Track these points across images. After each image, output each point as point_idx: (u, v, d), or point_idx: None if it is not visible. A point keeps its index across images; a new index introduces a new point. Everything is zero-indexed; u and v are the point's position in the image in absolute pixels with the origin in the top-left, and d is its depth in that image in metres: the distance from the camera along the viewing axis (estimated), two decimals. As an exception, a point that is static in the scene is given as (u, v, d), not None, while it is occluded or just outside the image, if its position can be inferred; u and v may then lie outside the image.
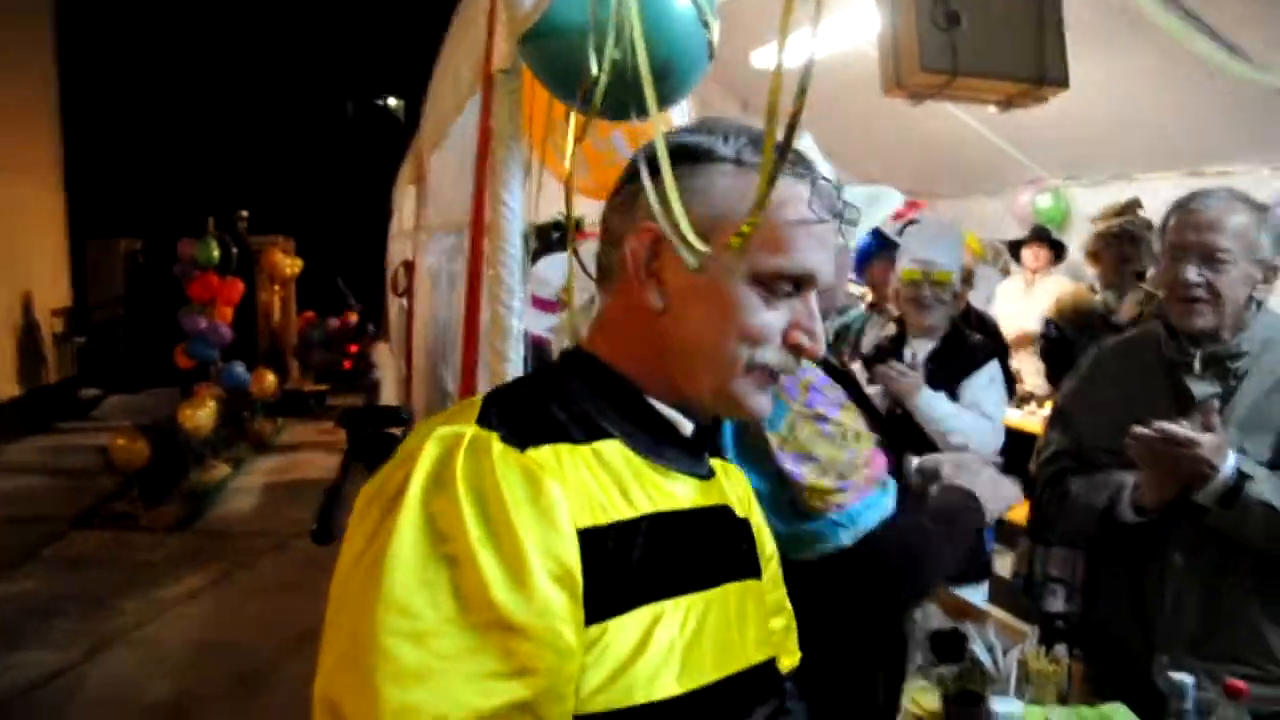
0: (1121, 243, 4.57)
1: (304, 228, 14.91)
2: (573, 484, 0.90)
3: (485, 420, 0.93)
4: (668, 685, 0.92)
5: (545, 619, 0.83)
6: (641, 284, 1.01)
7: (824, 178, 1.05)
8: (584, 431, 0.97)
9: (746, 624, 1.06)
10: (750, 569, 1.12)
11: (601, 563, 0.89)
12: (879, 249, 4.29)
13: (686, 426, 1.05)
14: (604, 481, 0.94)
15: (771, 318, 1.00)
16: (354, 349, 14.13)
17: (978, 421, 3.18)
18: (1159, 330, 2.24)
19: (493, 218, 1.58)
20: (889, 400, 3.18)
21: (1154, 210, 3.72)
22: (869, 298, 4.41)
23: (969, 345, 3.31)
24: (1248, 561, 2.05)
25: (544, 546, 0.85)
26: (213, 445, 9.13)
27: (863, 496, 1.54)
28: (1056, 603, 2.17)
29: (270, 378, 11.12)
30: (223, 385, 10.18)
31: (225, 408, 9.55)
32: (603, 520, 0.91)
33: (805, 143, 1.71)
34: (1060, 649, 2.13)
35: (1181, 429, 1.97)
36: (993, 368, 3.26)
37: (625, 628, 0.90)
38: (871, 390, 3.12)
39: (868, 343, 3.55)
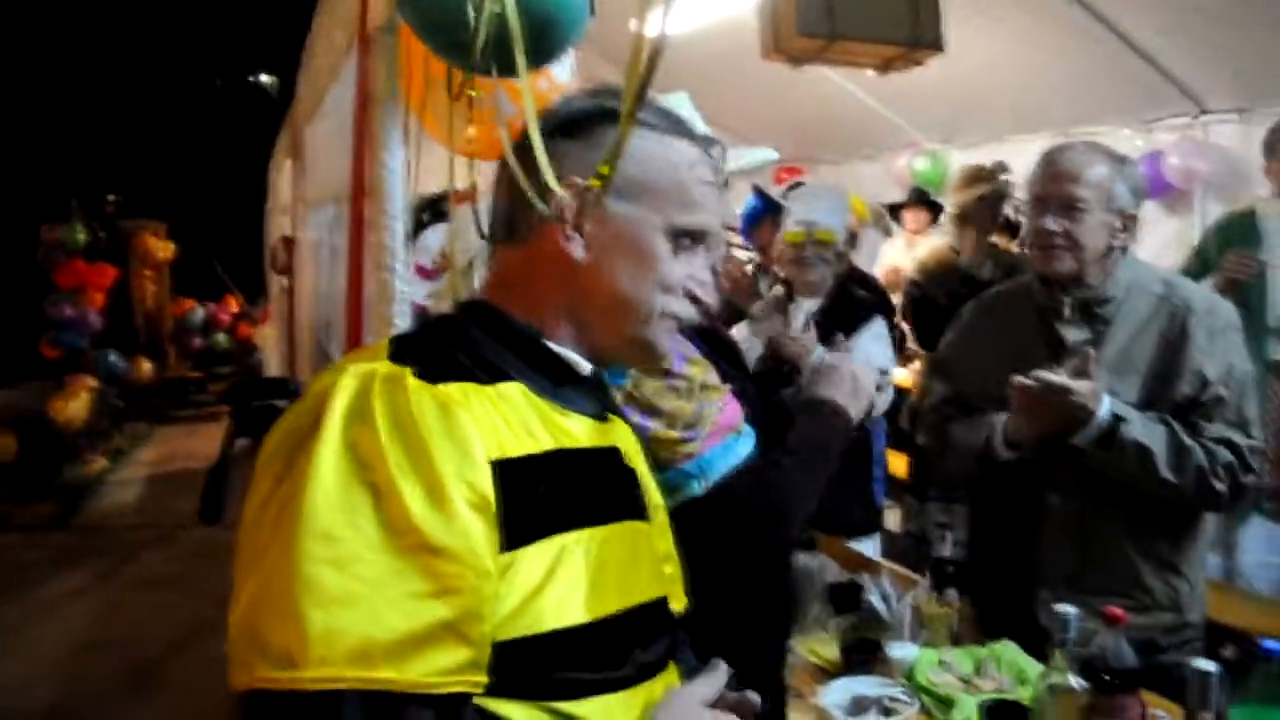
0: (994, 205, 4.70)
1: (177, 211, 14.34)
2: (481, 418, 0.94)
3: (399, 358, 0.95)
4: (575, 613, 0.96)
5: (465, 541, 0.86)
6: (567, 238, 1.05)
7: (717, 142, 1.16)
8: (487, 374, 1.00)
9: (642, 561, 1.11)
10: (640, 513, 1.16)
11: (511, 493, 0.92)
12: (765, 212, 4.33)
13: (584, 367, 1.09)
14: (509, 418, 0.97)
15: (679, 269, 1.09)
16: (243, 333, 13.68)
17: None
18: (1033, 281, 2.32)
19: (373, 182, 1.54)
20: (787, 366, 3.21)
21: (1025, 169, 3.84)
22: (757, 259, 4.46)
23: (855, 302, 3.38)
24: (1120, 500, 2.15)
25: (461, 474, 0.88)
26: (89, 437, 8.75)
27: (713, 445, 1.56)
28: (945, 547, 2.25)
29: (147, 366, 10.70)
30: (97, 375, 9.75)
31: (101, 398, 9.17)
32: (511, 453, 0.94)
33: (679, 99, 1.72)
34: (951, 592, 2.20)
35: (1058, 378, 2.05)
36: (879, 324, 3.33)
37: (534, 557, 0.93)
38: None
39: (755, 305, 3.58)
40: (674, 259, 1.08)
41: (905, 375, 4.84)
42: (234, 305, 14.36)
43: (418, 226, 3.39)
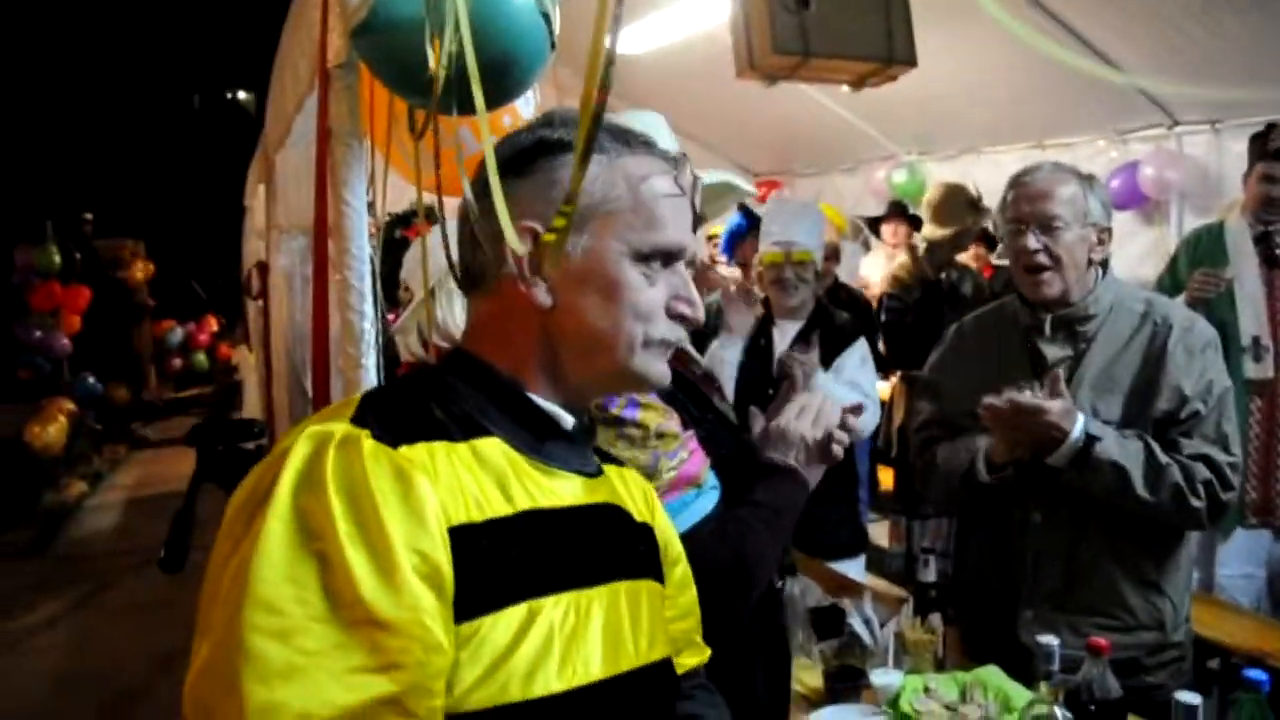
0: (964, 238, 4.79)
1: (154, 229, 14.22)
2: (447, 481, 0.91)
3: (360, 419, 0.92)
4: (548, 682, 0.92)
5: (414, 614, 0.84)
6: (528, 284, 1.01)
7: (678, 155, 1.11)
8: (463, 430, 0.97)
9: (640, 623, 1.07)
10: (648, 570, 1.13)
11: (475, 560, 0.89)
12: (749, 229, 4.32)
13: (568, 421, 1.06)
14: (482, 479, 0.95)
15: (654, 293, 1.05)
16: (223, 354, 13.59)
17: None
18: (1015, 300, 2.32)
19: (336, 220, 1.51)
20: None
21: (1001, 180, 3.86)
22: (739, 277, 4.45)
23: (836, 326, 3.36)
24: (1102, 519, 2.14)
25: (412, 544, 0.85)
26: (66, 462, 8.64)
27: (669, 500, 1.45)
28: (929, 574, 2.23)
29: (124, 388, 10.59)
30: (74, 398, 9.63)
31: (78, 421, 9.06)
32: (478, 517, 0.91)
33: (652, 120, 1.68)
34: (934, 618, 2.18)
35: (1028, 398, 2.04)
36: (862, 346, 3.32)
37: (500, 624, 0.90)
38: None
39: (737, 326, 3.53)
40: (647, 284, 1.04)
41: (885, 389, 4.84)
42: (213, 324, 14.27)
43: (390, 244, 3.36)
